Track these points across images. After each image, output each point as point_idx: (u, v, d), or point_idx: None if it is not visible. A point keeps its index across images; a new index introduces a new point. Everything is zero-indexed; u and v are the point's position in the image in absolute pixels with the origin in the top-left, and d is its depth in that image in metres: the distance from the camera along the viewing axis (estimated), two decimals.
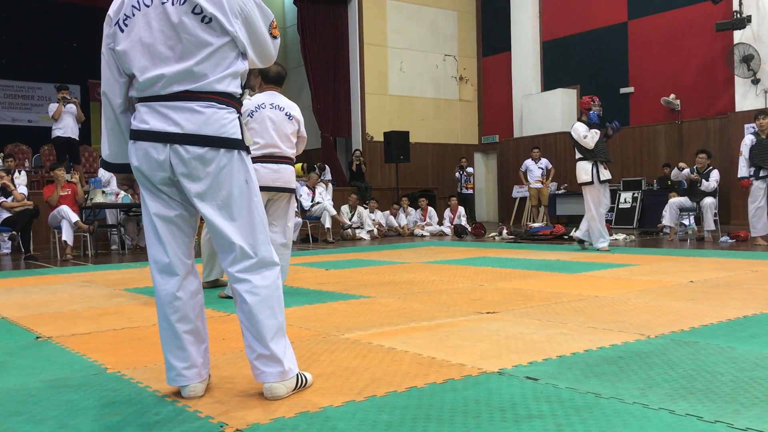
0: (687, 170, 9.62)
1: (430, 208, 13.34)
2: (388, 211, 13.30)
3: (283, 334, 2.34)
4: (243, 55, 2.35)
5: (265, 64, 2.50)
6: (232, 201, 2.29)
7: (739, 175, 8.72)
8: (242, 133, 2.33)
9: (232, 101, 2.34)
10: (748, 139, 8.68)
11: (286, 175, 4.67)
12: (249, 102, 4.64)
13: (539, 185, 14.01)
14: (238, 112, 2.38)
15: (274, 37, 2.42)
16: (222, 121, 2.27)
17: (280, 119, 4.66)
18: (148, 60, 2.26)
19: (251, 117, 4.61)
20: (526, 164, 14.21)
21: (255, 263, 2.29)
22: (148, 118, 2.28)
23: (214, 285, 5.38)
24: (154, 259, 2.37)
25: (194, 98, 2.25)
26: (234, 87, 2.33)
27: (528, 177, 14.12)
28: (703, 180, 9.50)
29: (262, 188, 4.42)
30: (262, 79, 4.78)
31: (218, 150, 2.26)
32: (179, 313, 2.35)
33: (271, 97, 4.73)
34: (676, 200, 9.87)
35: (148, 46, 2.26)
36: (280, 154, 4.66)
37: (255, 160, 4.33)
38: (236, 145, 2.29)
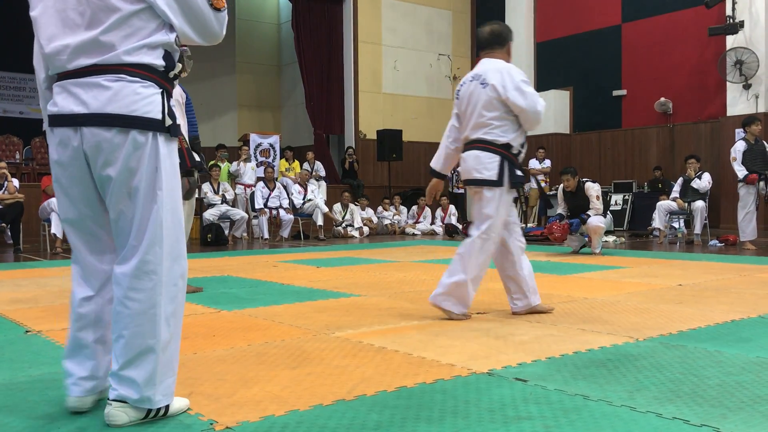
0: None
1: (427, 208, 13.34)
2: (381, 207, 13.32)
3: (155, 360, 2.00)
4: (171, 27, 2.03)
5: (207, 41, 2.11)
6: (136, 192, 1.98)
7: (741, 176, 8.69)
8: (163, 112, 2.00)
9: (151, 74, 1.99)
10: (741, 145, 8.72)
11: (469, 162, 3.78)
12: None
13: (544, 185, 14.06)
14: (161, 87, 2.02)
15: (217, 9, 2.05)
16: (132, 96, 1.95)
17: (477, 93, 3.81)
18: (58, 27, 1.98)
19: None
20: (531, 164, 14.24)
21: (136, 265, 1.99)
22: (58, 100, 2.00)
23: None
24: (74, 261, 2.17)
25: (101, 71, 1.95)
26: (152, 58, 1.99)
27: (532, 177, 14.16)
28: (696, 179, 9.54)
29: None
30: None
31: (128, 131, 1.95)
32: (85, 320, 2.13)
33: (476, 68, 3.92)
34: (664, 203, 9.93)
35: (59, 11, 1.98)
36: (471, 138, 3.81)
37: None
38: (151, 125, 1.97)
